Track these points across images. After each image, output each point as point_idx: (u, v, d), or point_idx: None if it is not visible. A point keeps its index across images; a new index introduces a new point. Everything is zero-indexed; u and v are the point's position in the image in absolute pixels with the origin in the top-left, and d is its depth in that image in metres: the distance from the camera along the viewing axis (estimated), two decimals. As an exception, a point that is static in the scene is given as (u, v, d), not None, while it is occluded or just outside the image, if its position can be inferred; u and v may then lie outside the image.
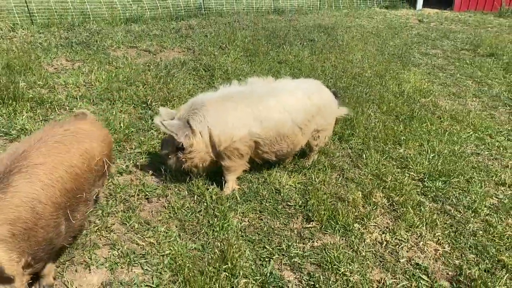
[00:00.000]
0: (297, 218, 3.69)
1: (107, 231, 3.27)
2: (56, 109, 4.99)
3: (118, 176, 3.93)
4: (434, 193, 4.19)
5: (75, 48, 7.48)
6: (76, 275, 2.86)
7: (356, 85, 6.80)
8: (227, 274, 2.92)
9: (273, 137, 3.79)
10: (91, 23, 9.34)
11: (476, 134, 5.51)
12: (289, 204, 3.85)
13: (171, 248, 3.12)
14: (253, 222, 3.58)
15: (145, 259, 3.04)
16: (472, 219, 3.86)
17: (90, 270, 2.92)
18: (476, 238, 3.61)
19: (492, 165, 4.79)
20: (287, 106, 3.79)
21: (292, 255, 3.23)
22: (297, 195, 3.97)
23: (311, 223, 3.63)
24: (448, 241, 3.58)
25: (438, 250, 3.49)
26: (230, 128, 3.62)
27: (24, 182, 2.26)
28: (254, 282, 2.94)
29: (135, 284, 2.83)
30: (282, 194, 3.94)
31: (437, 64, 8.78)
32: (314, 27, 10.70)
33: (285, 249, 3.29)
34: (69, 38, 8.10)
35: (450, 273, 3.27)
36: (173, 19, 10.68)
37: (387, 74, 7.53)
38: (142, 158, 4.25)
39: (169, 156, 3.73)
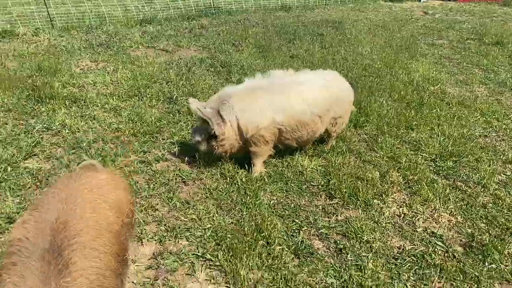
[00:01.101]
0: (321, 196, 4.04)
1: (152, 210, 3.64)
2: (90, 106, 5.37)
3: (156, 163, 4.30)
4: (445, 172, 4.52)
5: (97, 49, 7.88)
6: (130, 247, 3.23)
7: (367, 76, 7.13)
8: (264, 243, 3.28)
9: (294, 125, 4.13)
10: (107, 25, 9.73)
11: (484, 118, 5.83)
12: (312, 184, 4.20)
13: (211, 223, 3.49)
14: (281, 200, 3.93)
15: (189, 232, 3.41)
16: (482, 193, 4.19)
17: (142, 243, 3.29)
18: (486, 210, 3.94)
19: (499, 146, 5.11)
20: (307, 96, 4.13)
21: (319, 226, 3.59)
22: (319, 176, 4.32)
23: (333, 200, 3.98)
24: (460, 212, 3.91)
25: (452, 220, 3.82)
26: (255, 118, 3.97)
27: (81, 257, 1.89)
28: (287, 249, 3.30)
29: (183, 253, 3.20)
30: (305, 176, 4.29)
31: (443, 54, 9.07)
32: (322, 22, 11.02)
33: (312, 222, 3.64)
34: (89, 40, 8.50)
35: (463, 240, 3.60)
36: (185, 19, 11.05)
37: (396, 64, 7.84)
38: (175, 147, 4.62)
39: (202, 143, 4.09)
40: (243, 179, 4.11)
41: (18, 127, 4.70)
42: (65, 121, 4.87)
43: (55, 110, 5.14)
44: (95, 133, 4.75)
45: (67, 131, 4.71)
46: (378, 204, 3.95)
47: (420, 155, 4.81)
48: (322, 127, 4.40)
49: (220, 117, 3.93)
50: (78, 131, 4.73)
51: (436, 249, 3.44)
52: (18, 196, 3.61)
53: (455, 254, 3.40)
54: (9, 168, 3.95)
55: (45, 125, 4.79)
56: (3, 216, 3.35)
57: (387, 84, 6.80)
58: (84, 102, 5.46)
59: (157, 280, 2.97)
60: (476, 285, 3.06)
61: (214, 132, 3.92)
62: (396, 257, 3.34)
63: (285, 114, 4.05)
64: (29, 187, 3.73)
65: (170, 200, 3.77)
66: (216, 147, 4.04)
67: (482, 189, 4.26)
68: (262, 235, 3.35)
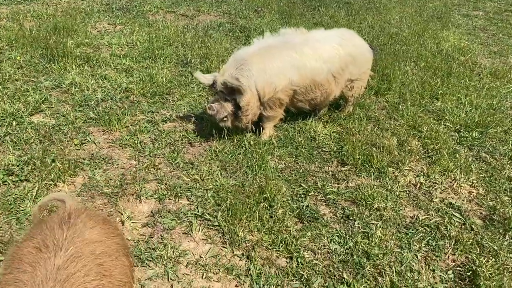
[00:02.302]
0: (332, 162, 3.83)
1: (154, 169, 3.52)
2: (102, 66, 5.25)
3: (163, 124, 4.16)
4: (470, 142, 4.21)
5: (116, 13, 7.73)
6: (128, 204, 3.13)
7: (393, 44, 6.74)
8: (266, 205, 3.11)
9: (308, 85, 3.89)
10: (129, -10, 9.54)
11: (517, 89, 5.42)
12: (324, 150, 3.98)
13: (214, 184, 3.34)
14: (289, 165, 3.74)
15: (190, 192, 3.28)
16: (508, 165, 3.88)
17: (140, 200, 3.18)
18: (512, 183, 3.65)
19: (532, 118, 4.74)
20: (321, 54, 3.88)
21: (327, 192, 3.39)
22: (332, 142, 4.09)
23: (345, 166, 3.76)
24: (483, 184, 3.64)
25: (472, 192, 3.55)
26: (273, 79, 3.74)
27: None
28: (291, 213, 3.13)
29: (182, 212, 3.07)
30: (317, 141, 4.08)
31: (478, 25, 8.52)
32: (350, -10, 10.53)
33: (320, 187, 3.44)
34: (109, 4, 8.35)
35: (483, 212, 3.34)
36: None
37: (425, 33, 7.39)
38: (184, 108, 4.47)
39: (226, 119, 3.77)
40: (251, 142, 3.93)
41: (28, 84, 4.63)
42: (75, 80, 4.77)
43: (66, 68, 5.05)
44: (104, 92, 4.64)
45: (76, 89, 4.62)
46: (393, 172, 3.71)
47: (444, 124, 4.50)
48: (337, 89, 4.14)
49: (241, 85, 3.63)
50: (87, 90, 4.64)
51: (452, 221, 3.20)
52: (20, 149, 3.55)
53: (473, 226, 3.16)
54: (14, 123, 3.89)
55: (55, 83, 4.71)
56: (2, 168, 3.29)
57: (414, 53, 6.42)
58: (96, 62, 5.34)
59: (152, 237, 2.86)
60: (494, 259, 2.82)
61: (240, 103, 3.67)
62: (408, 227, 3.12)
63: (300, 73, 3.82)
64: (32, 142, 3.67)
65: (173, 160, 3.63)
66: (241, 119, 3.80)
67: (509, 161, 3.95)
68: (264, 196, 3.18)
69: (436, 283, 2.68)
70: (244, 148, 3.86)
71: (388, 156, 3.86)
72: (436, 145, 4.06)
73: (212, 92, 4.09)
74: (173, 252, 2.74)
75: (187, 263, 2.68)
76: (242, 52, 3.88)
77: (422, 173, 3.73)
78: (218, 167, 3.60)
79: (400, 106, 4.78)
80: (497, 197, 3.50)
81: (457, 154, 3.97)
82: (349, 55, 4.00)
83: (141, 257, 2.67)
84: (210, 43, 6.20)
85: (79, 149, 3.70)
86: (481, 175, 3.73)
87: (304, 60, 3.82)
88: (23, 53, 5.31)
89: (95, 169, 3.45)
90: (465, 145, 4.19)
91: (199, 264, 2.67)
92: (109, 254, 1.75)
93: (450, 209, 3.33)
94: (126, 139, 3.85)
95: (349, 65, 4.04)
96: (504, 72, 5.94)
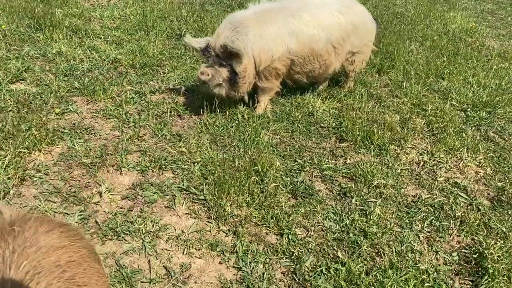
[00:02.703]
0: (330, 138, 3.59)
1: (139, 140, 3.28)
2: (91, 37, 4.99)
3: (151, 95, 3.91)
4: (477, 122, 3.97)
5: (111, -13, 7.43)
6: (107, 175, 2.90)
7: (398, 23, 6.46)
8: (257, 179, 2.88)
9: (306, 55, 3.63)
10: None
11: (527, 71, 5.16)
12: (322, 125, 3.74)
13: (202, 157, 3.10)
14: (284, 140, 3.50)
15: (176, 164, 3.04)
16: (518, 146, 3.65)
17: (121, 172, 2.94)
18: (521, 163, 3.42)
19: (542, 99, 4.48)
20: (320, 21, 3.61)
21: (324, 168, 3.15)
22: (331, 118, 3.84)
23: (344, 142, 3.52)
24: (491, 164, 3.40)
25: (479, 172, 3.32)
26: (270, 45, 3.47)
27: None
28: (284, 188, 2.89)
29: (165, 185, 2.84)
30: (315, 117, 3.83)
31: (486, 9, 8.25)
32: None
33: (316, 163, 3.21)
34: (105, -21, 8.05)
35: (491, 193, 3.11)
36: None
37: (432, 14, 7.11)
38: (175, 81, 4.21)
39: (222, 86, 3.47)
40: (244, 116, 3.69)
41: (11, 52, 4.37)
42: (62, 49, 4.51)
43: (53, 38, 4.78)
44: (91, 62, 4.38)
45: (62, 58, 4.36)
46: (395, 149, 3.47)
47: (450, 103, 4.25)
48: (336, 61, 3.88)
49: (238, 50, 3.32)
50: (74, 60, 4.38)
51: (458, 201, 2.97)
52: (-5, 116, 3.31)
53: (480, 207, 2.93)
54: (-9, 89, 3.65)
55: (40, 52, 4.44)
56: (-26, 135, 3.06)
57: (419, 33, 6.14)
58: (86, 33, 5.07)
59: (131, 210, 2.63)
60: (502, 241, 2.59)
61: (236, 68, 3.39)
62: (410, 206, 2.89)
63: (298, 40, 3.55)
64: (10, 110, 3.42)
65: (160, 131, 3.39)
66: (238, 87, 3.52)
67: (519, 141, 3.71)
68: (255, 169, 2.94)
69: (439, 265, 2.46)
70: (236, 122, 3.62)
71: (390, 133, 3.62)
72: (442, 124, 3.82)
73: (204, 59, 3.79)
74: (153, 226, 2.50)
75: (168, 238, 2.46)
76: (238, 15, 3.60)
77: (426, 152, 3.49)
78: (207, 140, 3.36)
79: (404, 84, 4.52)
80: (506, 178, 3.27)
81: (463, 133, 3.73)
82: (351, 24, 3.73)
83: (117, 230, 2.44)
84: (206, 17, 5.92)
85: (60, 119, 3.46)
86: (489, 155, 3.49)
87: (302, 26, 3.55)
88: (9, 22, 5.04)
89: (75, 139, 3.21)
90: (472, 125, 3.94)
91: (180, 239, 2.44)
92: (79, 262, 1.30)
93: (456, 189, 3.10)
94: (111, 110, 3.61)
95: (351, 35, 3.77)
96: (514, 54, 5.69)
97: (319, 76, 3.92)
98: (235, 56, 3.36)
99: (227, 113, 3.70)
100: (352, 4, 3.86)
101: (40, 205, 2.55)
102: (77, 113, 3.55)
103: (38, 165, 2.88)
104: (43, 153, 3.00)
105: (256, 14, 3.59)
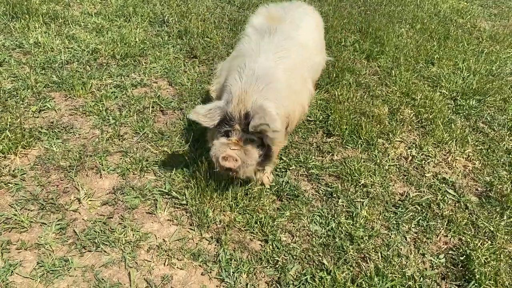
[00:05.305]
0: (317, 133, 3.50)
1: (119, 140, 3.17)
2: (70, 24, 4.79)
3: (133, 89, 3.78)
4: (466, 111, 3.90)
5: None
6: (87, 179, 2.80)
7: (388, 4, 6.30)
8: (241, 181, 2.80)
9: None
10: None
11: (518, 54, 5.07)
12: (309, 119, 3.64)
13: (185, 157, 3.01)
14: (270, 135, 3.41)
15: (158, 166, 2.95)
16: (507, 137, 3.60)
17: (101, 175, 2.85)
18: (510, 156, 3.37)
19: (533, 85, 4.41)
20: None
21: (310, 166, 3.08)
22: (318, 111, 3.75)
23: (331, 137, 3.44)
24: (479, 158, 3.35)
25: (468, 166, 3.27)
26: (303, 97, 2.82)
27: None
28: (269, 190, 2.82)
29: (147, 189, 2.76)
30: (302, 109, 3.73)
31: (478, -14, 8.06)
32: None
33: (302, 160, 3.13)
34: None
35: (479, 189, 3.07)
36: None
37: (423, -7, 6.94)
38: (158, 72, 4.07)
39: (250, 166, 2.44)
40: (229, 110, 3.57)
41: (-16, 44, 4.20)
42: (39, 39, 4.33)
43: (29, 27, 4.58)
44: (70, 53, 4.21)
45: (39, 49, 4.19)
46: (383, 144, 3.40)
47: (439, 91, 4.17)
48: None
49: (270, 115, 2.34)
50: (52, 51, 4.21)
51: (446, 198, 2.93)
52: (-32, 117, 3.18)
53: (468, 204, 2.89)
54: (-37, 87, 3.50)
55: (16, 43, 4.26)
56: None
57: (409, 14, 6.00)
58: (64, 21, 4.87)
59: (111, 218, 2.55)
60: (490, 242, 2.56)
61: (269, 142, 2.45)
62: (397, 205, 2.84)
63: (312, 76, 3.10)
64: (-16, 108, 3.29)
65: (141, 129, 3.28)
66: (268, 163, 2.63)
67: (508, 132, 3.67)
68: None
69: (425, 269, 2.42)
70: (221, 117, 3.51)
71: (378, 126, 3.54)
72: (431, 114, 3.75)
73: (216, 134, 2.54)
74: (133, 235, 2.43)
75: (149, 247, 2.39)
76: (261, 63, 2.55)
77: (414, 145, 3.42)
78: (192, 138, 3.26)
79: (393, 72, 4.42)
80: (494, 172, 3.22)
81: (452, 124, 3.66)
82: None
83: (96, 241, 2.37)
84: (190, 1, 5.72)
85: (37, 117, 3.33)
86: (478, 147, 3.44)
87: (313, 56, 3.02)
88: (-18, 10, 4.82)
89: (53, 139, 3.09)
90: (461, 114, 3.87)
91: (161, 249, 2.38)
92: None
93: (444, 185, 3.05)
94: (91, 106, 3.48)
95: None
96: (504, 36, 5.59)
97: None
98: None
99: (211, 107, 3.58)
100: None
101: (15, 215, 2.46)
102: (55, 110, 3.42)
103: (13, 170, 2.78)
104: (19, 157, 2.89)
105: (275, 55, 2.63)
